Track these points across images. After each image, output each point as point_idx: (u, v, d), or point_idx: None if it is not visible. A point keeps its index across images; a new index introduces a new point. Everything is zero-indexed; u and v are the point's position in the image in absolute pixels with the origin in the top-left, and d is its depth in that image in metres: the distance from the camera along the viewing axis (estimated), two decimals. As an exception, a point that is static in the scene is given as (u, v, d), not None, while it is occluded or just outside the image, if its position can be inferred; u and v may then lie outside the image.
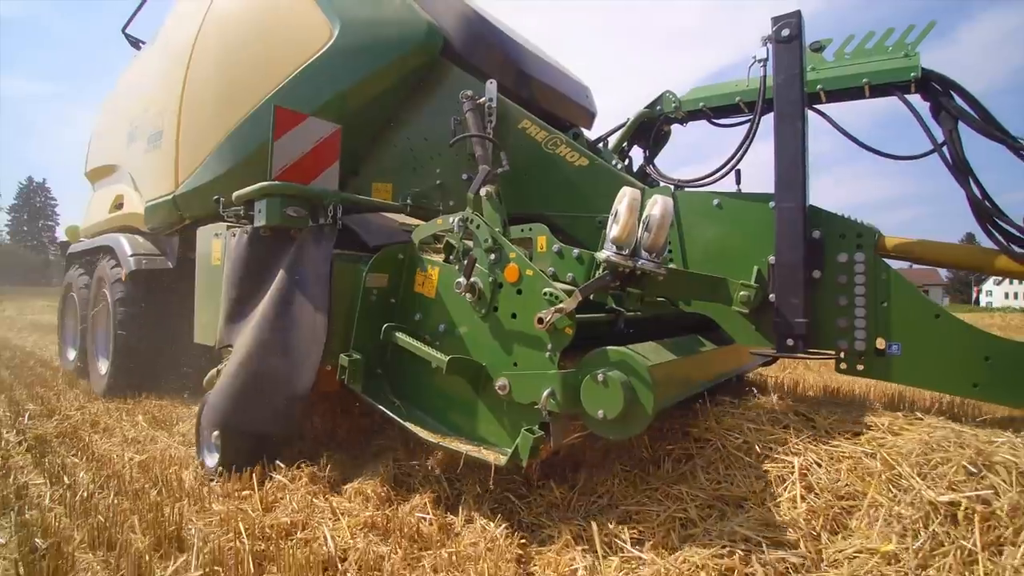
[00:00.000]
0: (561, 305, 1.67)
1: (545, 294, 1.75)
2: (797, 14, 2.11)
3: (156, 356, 3.81)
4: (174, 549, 1.72)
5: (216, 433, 2.27)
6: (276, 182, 2.23)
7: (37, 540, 1.76)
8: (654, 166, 2.89)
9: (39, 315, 14.03)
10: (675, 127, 2.96)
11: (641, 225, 1.87)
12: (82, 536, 1.84)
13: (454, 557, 1.63)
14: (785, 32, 2.10)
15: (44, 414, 3.43)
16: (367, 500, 2.00)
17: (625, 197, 1.84)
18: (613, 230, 1.85)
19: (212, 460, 2.30)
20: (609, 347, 1.64)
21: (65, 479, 2.32)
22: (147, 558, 1.63)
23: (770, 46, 2.14)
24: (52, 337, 8.52)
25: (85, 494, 2.13)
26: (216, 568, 1.58)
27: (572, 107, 3.45)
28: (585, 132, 3.72)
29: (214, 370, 2.51)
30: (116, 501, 2.07)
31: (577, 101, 3.47)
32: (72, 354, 5.14)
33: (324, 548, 1.68)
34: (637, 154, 3.30)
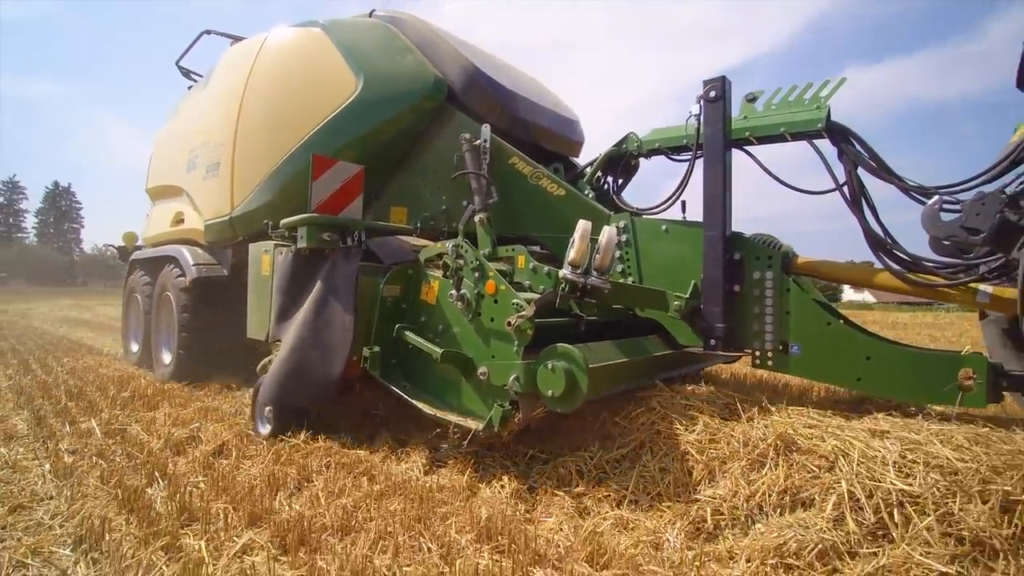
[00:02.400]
0: (523, 312, 2.24)
1: (514, 304, 2.32)
2: (723, 79, 2.62)
3: (213, 348, 4.52)
4: (123, 391, 4.04)
5: (268, 408, 2.92)
6: (314, 214, 2.86)
7: (72, 389, 4.21)
8: (619, 196, 3.42)
9: (66, 312, 16.41)
10: (642, 160, 3.49)
11: (593, 250, 2.42)
12: (90, 390, 4.21)
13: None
14: (712, 94, 2.62)
15: (75, 360, 5.94)
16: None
17: (579, 229, 2.40)
18: (570, 254, 2.40)
19: (265, 429, 2.95)
20: (559, 344, 2.21)
21: (84, 379, 4.74)
22: (110, 392, 4.06)
23: (701, 103, 2.67)
24: (79, 328, 10.97)
25: (94, 380, 4.61)
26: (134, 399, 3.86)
27: (560, 140, 4.02)
28: (576, 159, 4.29)
29: (266, 359, 3.17)
30: (105, 382, 4.44)
31: (564, 135, 4.03)
32: (135, 347, 5.94)
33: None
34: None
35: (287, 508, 2.06)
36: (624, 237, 3.01)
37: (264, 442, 2.80)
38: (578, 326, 2.75)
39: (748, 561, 1.60)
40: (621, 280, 3.02)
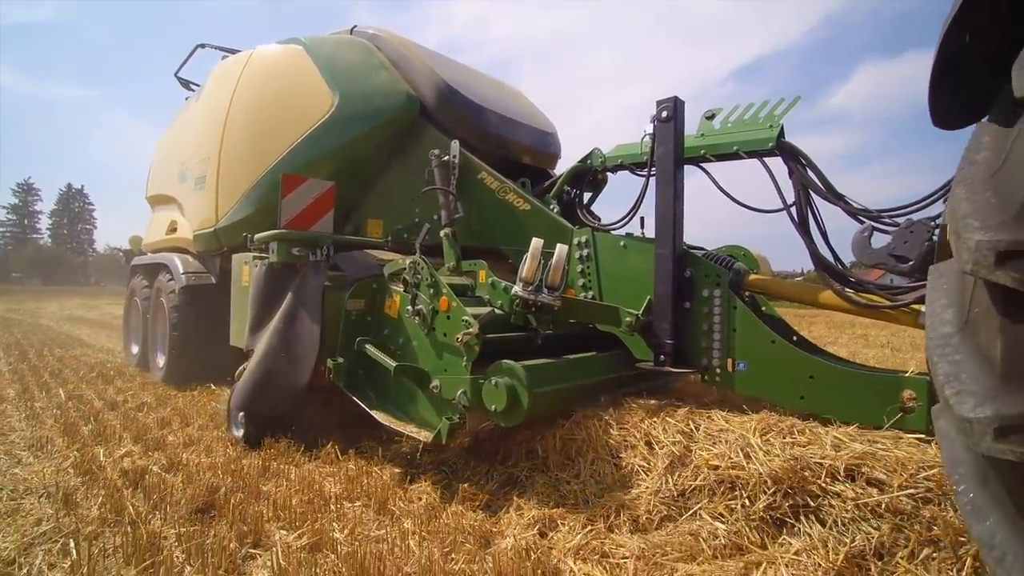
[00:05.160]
0: (470, 330, 2.33)
1: (463, 321, 2.41)
2: (674, 99, 2.68)
3: (202, 352, 4.68)
4: (92, 372, 5.51)
5: (241, 414, 3.05)
6: (284, 230, 2.98)
7: (55, 371, 5.53)
8: (584, 210, 3.49)
9: (74, 311, 17.66)
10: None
11: (544, 267, 2.50)
12: (67, 371, 5.63)
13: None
14: (664, 114, 2.68)
15: (65, 351, 7.29)
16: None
17: (531, 247, 2.48)
18: (522, 271, 2.48)
19: (239, 433, 3.07)
20: (504, 361, 2.29)
21: (66, 364, 6.06)
22: (81, 372, 5.54)
23: (655, 123, 2.73)
24: (81, 326, 12.17)
25: (73, 364, 5.97)
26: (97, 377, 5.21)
27: (533, 153, 4.09)
28: (552, 171, 4.36)
29: (241, 367, 3.30)
30: (80, 366, 5.82)
31: (537, 148, 4.10)
32: (135, 348, 6.15)
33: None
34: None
35: (161, 435, 3.31)
36: (586, 251, 3.08)
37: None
38: (535, 340, 2.82)
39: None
40: (583, 293, 3.10)
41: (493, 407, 2.25)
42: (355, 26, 4.24)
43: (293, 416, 3.08)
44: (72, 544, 1.90)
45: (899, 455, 1.81)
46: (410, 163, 3.65)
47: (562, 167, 4.43)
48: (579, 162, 3.44)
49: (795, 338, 2.80)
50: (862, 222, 2.48)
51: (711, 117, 2.94)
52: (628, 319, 2.66)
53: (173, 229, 5.03)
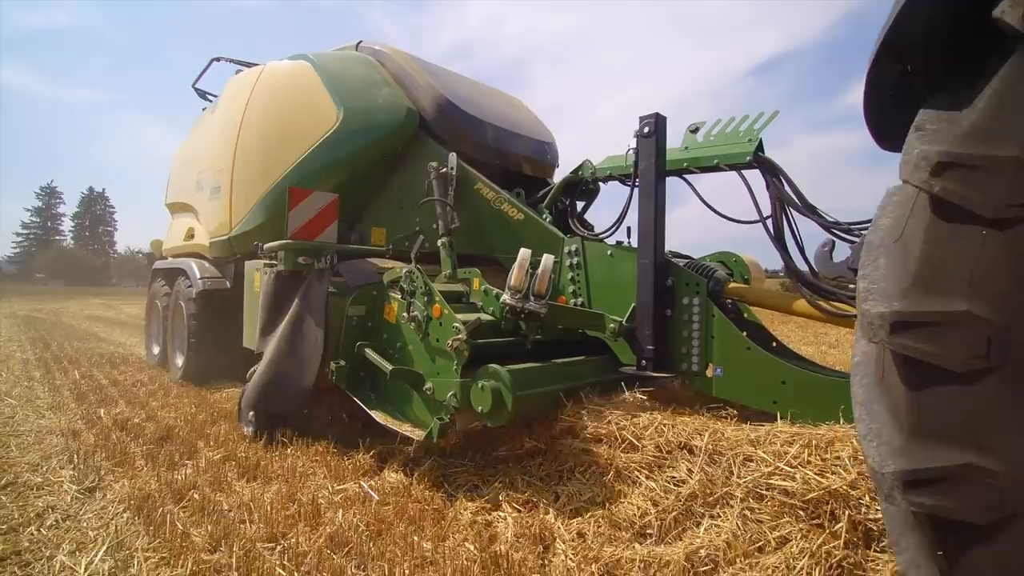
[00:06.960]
0: (459, 336, 2.49)
1: (454, 327, 2.58)
2: (656, 115, 2.81)
3: (218, 353, 4.93)
4: (102, 360, 6.82)
5: (251, 412, 3.26)
6: (291, 240, 3.18)
7: (71, 358, 6.85)
8: (576, 220, 3.62)
9: (94, 310, 18.89)
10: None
11: (532, 276, 2.66)
12: (82, 359, 6.81)
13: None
14: (646, 129, 2.81)
15: (81, 343, 8.37)
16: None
17: (519, 258, 2.64)
18: (510, 279, 2.65)
19: (249, 430, 3.29)
20: (490, 365, 2.45)
21: (82, 353, 7.22)
22: (93, 359, 6.81)
23: (638, 138, 2.86)
24: (99, 324, 13.27)
25: (88, 354, 7.11)
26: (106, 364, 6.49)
27: (532, 164, 4.24)
28: (551, 180, 4.50)
29: (252, 368, 3.52)
30: (93, 355, 7.05)
31: (534, 158, 4.25)
32: (156, 349, 6.45)
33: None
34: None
35: (147, 400, 4.39)
36: (576, 260, 3.23)
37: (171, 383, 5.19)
38: (524, 345, 2.98)
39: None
40: (573, 300, 3.24)
41: (480, 408, 2.41)
42: (360, 41, 4.43)
43: (297, 414, 3.28)
44: (75, 456, 3.02)
45: (594, 421, 2.57)
46: (411, 174, 3.83)
47: (561, 175, 4.58)
48: (571, 173, 3.58)
49: (774, 344, 2.92)
50: (836, 235, 2.59)
51: (695, 130, 3.06)
52: (612, 325, 2.80)
53: (191, 235, 5.29)
